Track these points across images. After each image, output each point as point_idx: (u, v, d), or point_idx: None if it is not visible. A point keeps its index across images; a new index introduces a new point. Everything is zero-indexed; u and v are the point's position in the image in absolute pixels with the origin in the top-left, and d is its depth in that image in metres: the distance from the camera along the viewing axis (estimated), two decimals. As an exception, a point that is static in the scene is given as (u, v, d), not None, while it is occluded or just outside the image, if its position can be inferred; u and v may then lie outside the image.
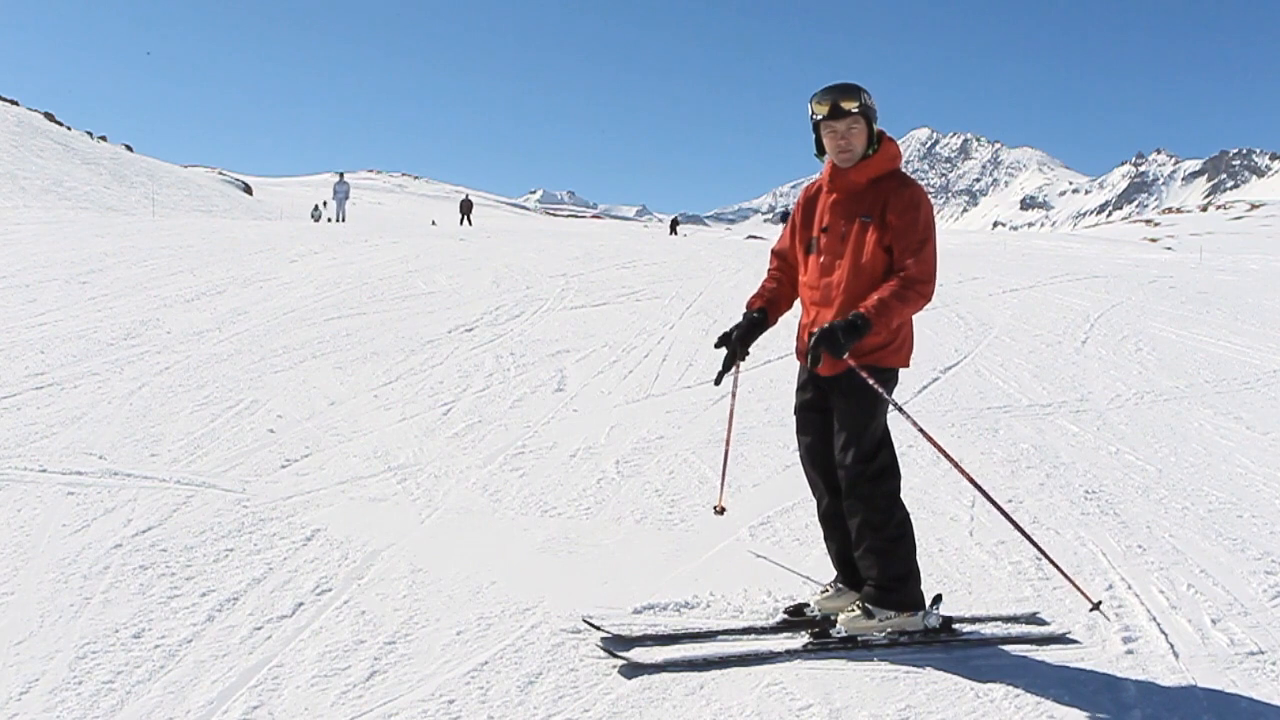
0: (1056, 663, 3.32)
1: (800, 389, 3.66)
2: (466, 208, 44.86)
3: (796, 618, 3.59)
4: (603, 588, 3.82)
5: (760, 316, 3.72)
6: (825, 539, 3.69)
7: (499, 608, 3.59)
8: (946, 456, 3.44)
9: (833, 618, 3.49)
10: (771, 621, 3.58)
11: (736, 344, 3.70)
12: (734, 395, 4.10)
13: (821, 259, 3.55)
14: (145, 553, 3.95)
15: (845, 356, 3.31)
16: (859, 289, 3.43)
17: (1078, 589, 3.46)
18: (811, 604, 3.63)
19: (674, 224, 50.82)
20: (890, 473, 3.46)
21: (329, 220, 35.04)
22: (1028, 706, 3.00)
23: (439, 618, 3.50)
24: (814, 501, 3.71)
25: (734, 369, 3.77)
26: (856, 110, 3.44)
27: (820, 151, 3.57)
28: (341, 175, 38.38)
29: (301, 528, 4.32)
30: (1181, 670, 3.27)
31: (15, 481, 4.72)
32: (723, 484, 4.20)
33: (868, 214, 3.47)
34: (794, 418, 3.68)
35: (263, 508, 4.53)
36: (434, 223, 51.84)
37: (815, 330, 3.36)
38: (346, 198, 35.77)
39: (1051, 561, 3.52)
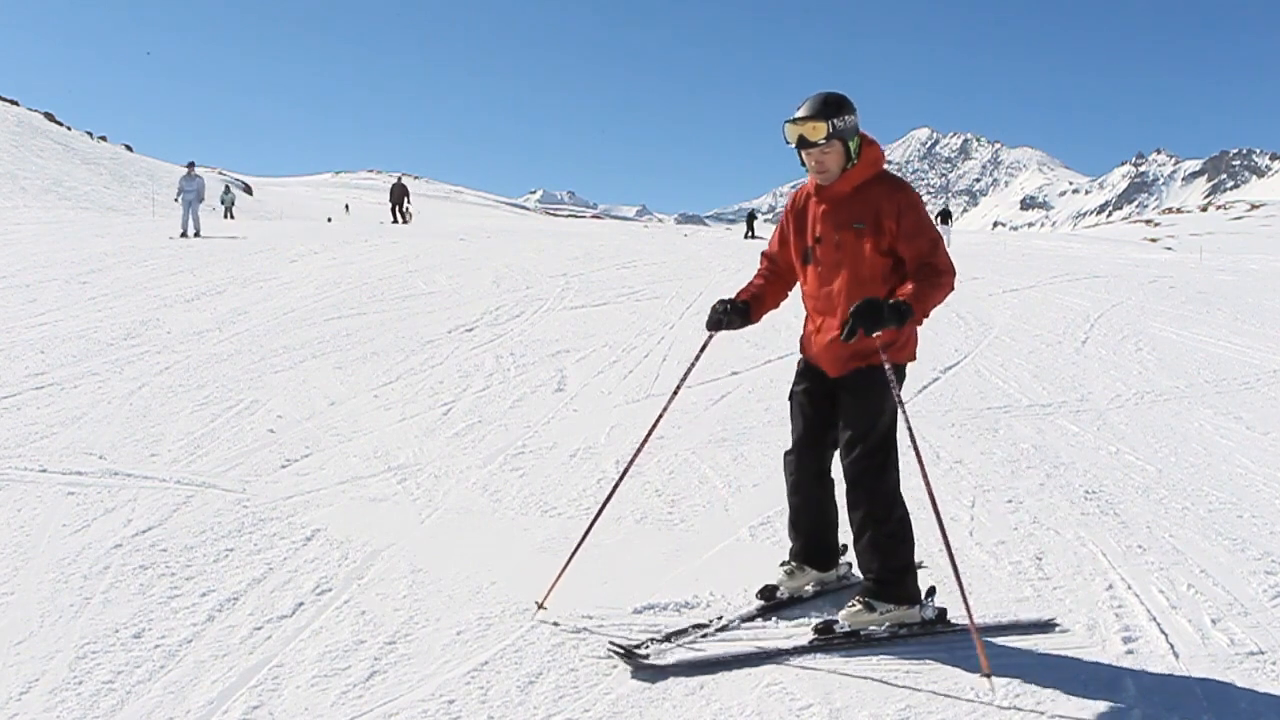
0: (1056, 663, 3.32)
1: (797, 378, 3.71)
2: (398, 195, 32.56)
3: (769, 600, 3.65)
4: (603, 588, 3.82)
5: (744, 308, 3.74)
6: (791, 521, 3.75)
7: (499, 608, 3.59)
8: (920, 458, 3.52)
9: (837, 616, 3.51)
10: (772, 620, 3.58)
11: (725, 311, 3.64)
12: (661, 415, 3.90)
13: (819, 269, 3.56)
14: (145, 553, 3.95)
15: (860, 341, 3.33)
16: (860, 296, 3.43)
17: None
18: (781, 588, 3.70)
19: (750, 219, 39.84)
20: (893, 470, 3.51)
21: (184, 234, 19.25)
22: (1028, 706, 3.00)
23: (439, 618, 3.50)
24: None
25: (677, 389, 3.81)
26: (824, 140, 3.40)
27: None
28: (191, 166, 22.67)
29: (301, 528, 4.32)
30: (1181, 670, 3.27)
31: (15, 481, 4.72)
32: (562, 571, 3.57)
33: (860, 221, 3.47)
34: (788, 403, 3.75)
35: (263, 508, 4.53)
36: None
37: (857, 304, 3.29)
38: (200, 199, 20.60)
39: None
